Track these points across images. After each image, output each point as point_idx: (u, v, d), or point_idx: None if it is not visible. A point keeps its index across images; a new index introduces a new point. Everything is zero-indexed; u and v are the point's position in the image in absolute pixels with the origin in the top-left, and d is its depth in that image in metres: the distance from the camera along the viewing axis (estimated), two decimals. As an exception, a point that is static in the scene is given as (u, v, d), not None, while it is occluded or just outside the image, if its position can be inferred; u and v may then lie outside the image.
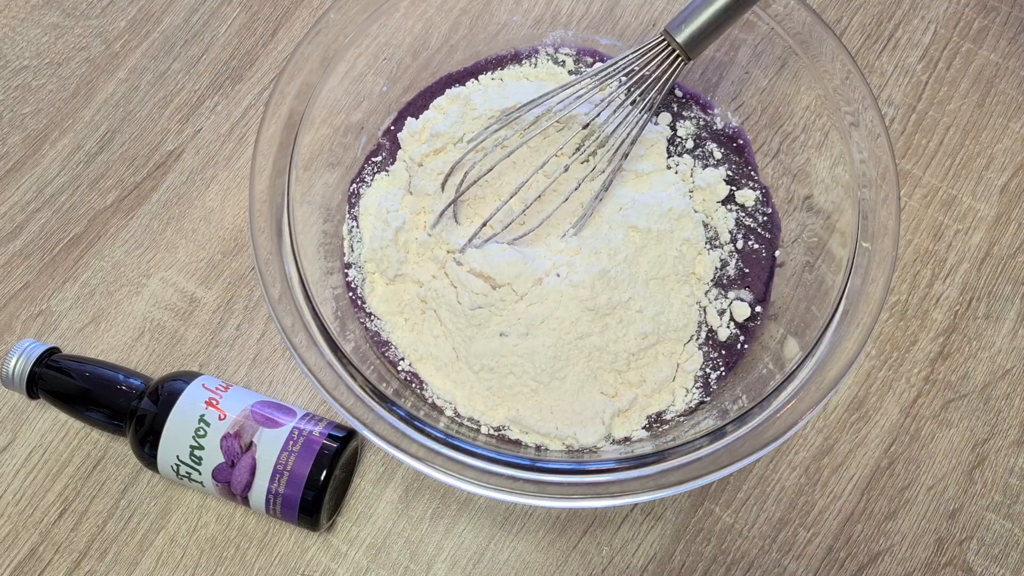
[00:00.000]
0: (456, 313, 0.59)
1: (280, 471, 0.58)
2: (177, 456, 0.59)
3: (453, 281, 0.60)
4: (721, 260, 0.64)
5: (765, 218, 0.65)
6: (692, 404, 0.61)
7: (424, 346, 0.61)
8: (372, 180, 0.67)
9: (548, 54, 0.70)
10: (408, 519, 0.63)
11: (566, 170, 0.60)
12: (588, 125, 0.61)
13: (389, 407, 0.53)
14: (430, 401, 0.60)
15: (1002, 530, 0.63)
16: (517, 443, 0.59)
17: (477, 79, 0.69)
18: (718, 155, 0.67)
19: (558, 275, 0.59)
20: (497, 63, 0.70)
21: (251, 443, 0.59)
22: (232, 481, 0.59)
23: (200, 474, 0.59)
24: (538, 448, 0.59)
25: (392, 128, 0.68)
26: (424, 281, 0.61)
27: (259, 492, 0.59)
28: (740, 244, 0.65)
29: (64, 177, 0.72)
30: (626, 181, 0.64)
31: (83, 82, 0.75)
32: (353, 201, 0.66)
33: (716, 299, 0.63)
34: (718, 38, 0.59)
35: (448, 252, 0.61)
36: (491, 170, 0.60)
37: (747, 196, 0.66)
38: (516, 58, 0.70)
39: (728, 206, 0.65)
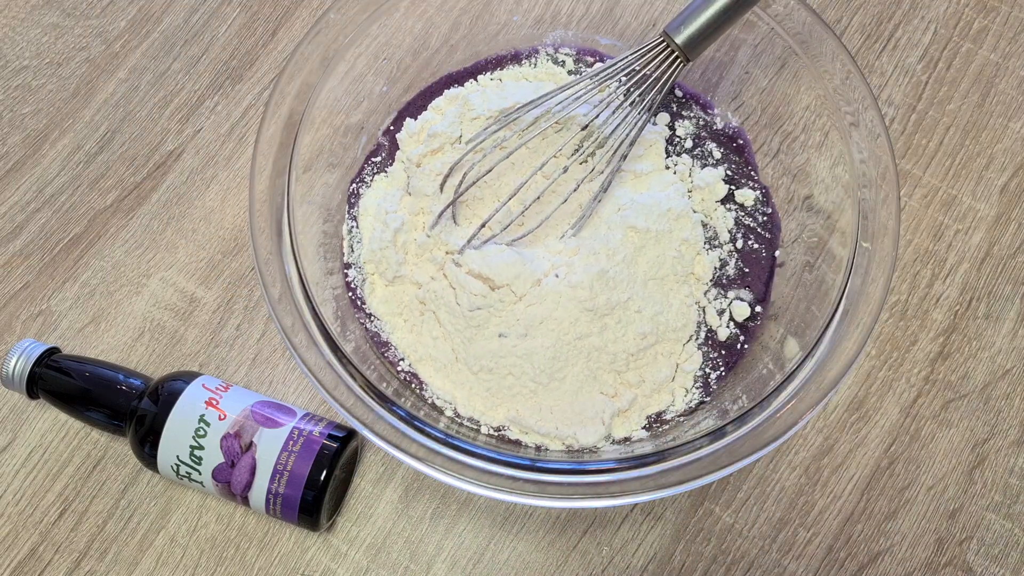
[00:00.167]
0: (455, 314, 0.59)
1: (280, 471, 0.58)
2: (177, 456, 0.59)
3: (452, 282, 0.60)
4: (720, 260, 0.64)
5: (765, 218, 0.65)
6: (692, 404, 0.61)
7: (423, 347, 0.61)
8: (372, 180, 0.67)
9: (548, 54, 0.70)
10: (408, 519, 0.63)
11: (565, 171, 0.60)
12: (587, 126, 0.61)
13: (389, 407, 0.53)
14: (430, 401, 0.60)
15: (1002, 530, 0.63)
16: (517, 443, 0.59)
17: (476, 79, 0.69)
18: (717, 155, 0.67)
19: (557, 276, 0.59)
20: (497, 63, 0.70)
21: (251, 443, 0.59)
22: (232, 481, 0.59)
23: (200, 474, 0.59)
24: (538, 448, 0.59)
25: (392, 128, 0.68)
26: (423, 282, 0.61)
27: (259, 492, 0.59)
28: (740, 244, 0.65)
29: (64, 177, 0.72)
30: (625, 181, 0.64)
31: (83, 82, 0.75)
32: (353, 201, 0.66)
33: (715, 299, 0.63)
34: (717, 39, 0.59)
35: (447, 253, 0.61)
36: (490, 171, 0.60)
37: (746, 196, 0.66)
38: (516, 58, 0.70)
39: (727, 206, 0.65)
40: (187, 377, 0.62)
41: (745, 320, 0.63)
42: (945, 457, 0.65)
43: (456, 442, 0.53)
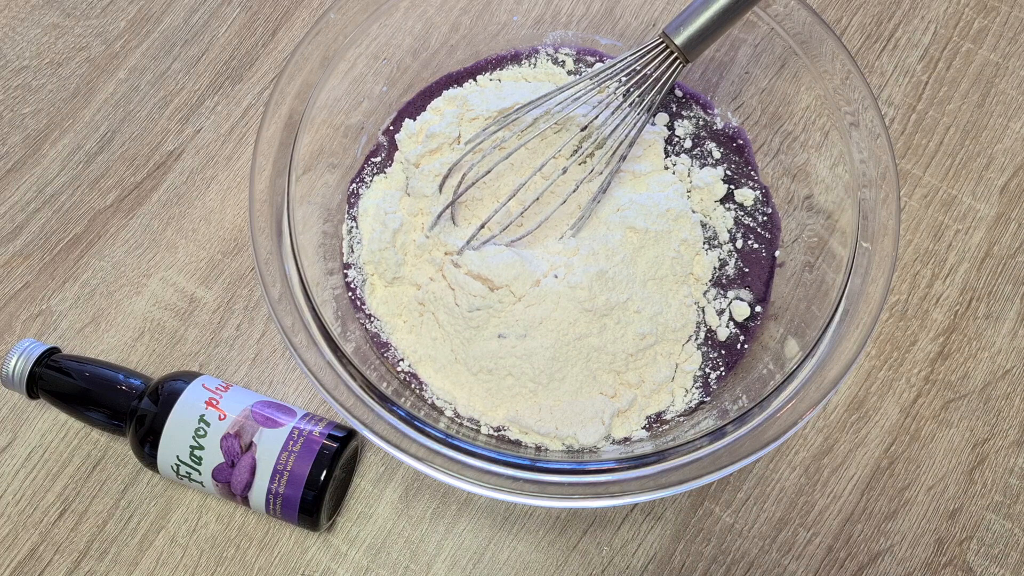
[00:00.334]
0: (454, 315, 0.59)
1: (280, 471, 0.58)
2: (177, 456, 0.59)
3: (451, 283, 0.60)
4: (720, 260, 0.64)
5: (765, 218, 0.65)
6: (692, 404, 0.61)
7: (423, 348, 0.61)
8: (371, 181, 0.67)
9: (548, 54, 0.70)
10: (408, 519, 0.63)
11: (564, 172, 0.60)
12: (586, 127, 0.61)
13: (389, 407, 0.53)
14: (430, 401, 0.60)
15: (1002, 530, 0.63)
16: (517, 443, 0.59)
17: (475, 80, 0.69)
18: (717, 155, 0.67)
19: (556, 276, 0.59)
20: (497, 63, 0.70)
21: (251, 443, 0.59)
22: (232, 481, 0.59)
23: (200, 474, 0.59)
24: (538, 448, 0.59)
25: (392, 128, 0.68)
26: (422, 283, 0.61)
27: (259, 492, 0.59)
28: (740, 244, 0.65)
29: (64, 177, 0.72)
30: (624, 182, 0.64)
31: (83, 82, 0.75)
32: (352, 201, 0.66)
33: (715, 299, 0.63)
34: (717, 40, 0.59)
35: (446, 254, 0.61)
36: (489, 172, 0.60)
37: (746, 195, 0.66)
38: (516, 58, 0.70)
39: (727, 205, 0.65)
40: (187, 377, 0.62)
41: (745, 320, 0.63)
42: (945, 457, 0.65)
43: (456, 442, 0.53)
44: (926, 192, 0.71)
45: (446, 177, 0.62)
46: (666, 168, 0.66)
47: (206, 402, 0.60)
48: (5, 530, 0.63)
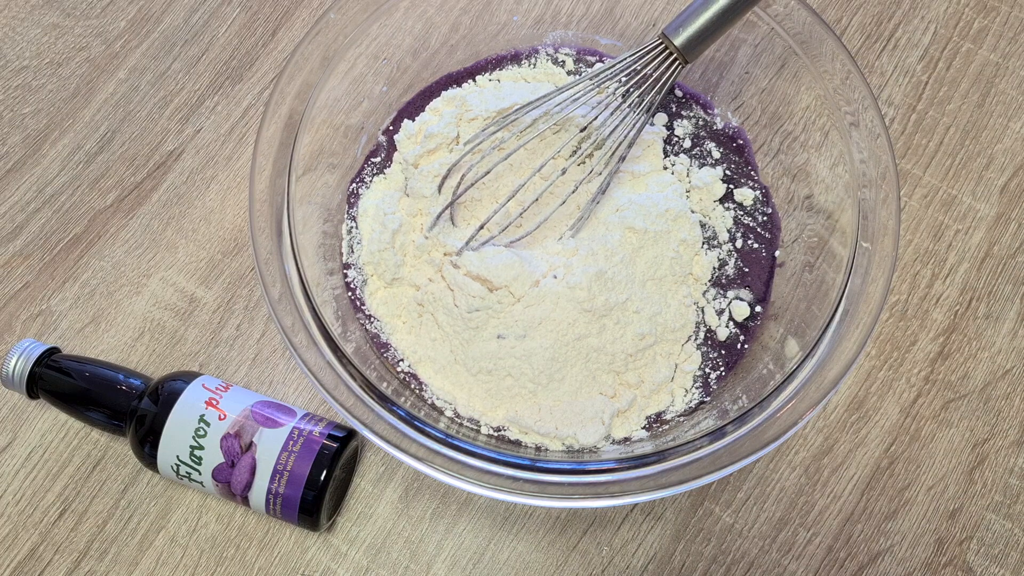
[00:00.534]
0: (453, 316, 0.59)
1: (280, 471, 0.58)
2: (177, 456, 0.59)
3: (450, 284, 0.60)
4: (720, 260, 0.64)
5: (765, 218, 0.65)
6: (692, 404, 0.61)
7: (422, 348, 0.61)
8: (371, 182, 0.67)
9: (548, 54, 0.70)
10: (408, 519, 0.63)
11: (563, 173, 0.60)
12: (585, 128, 0.61)
13: (389, 407, 0.53)
14: (430, 402, 0.60)
15: (1002, 530, 0.63)
16: (517, 443, 0.59)
17: (474, 80, 0.69)
18: (716, 155, 0.67)
19: (555, 277, 0.59)
20: (497, 63, 0.70)
21: (251, 443, 0.59)
22: (232, 481, 0.59)
23: (200, 474, 0.59)
24: (538, 448, 0.59)
25: (391, 129, 0.68)
26: (421, 284, 0.61)
27: (259, 492, 0.59)
28: (739, 243, 0.65)
29: (64, 177, 0.72)
30: (623, 182, 0.64)
31: (83, 82, 0.75)
32: (352, 202, 0.66)
33: (715, 299, 0.63)
34: (716, 41, 0.59)
35: (445, 255, 0.61)
36: (488, 173, 0.60)
37: (746, 195, 0.65)
38: (516, 58, 0.70)
39: (726, 205, 0.65)
40: (187, 377, 0.62)
41: (745, 320, 0.63)
42: (945, 457, 0.65)
43: (456, 442, 0.53)
44: (926, 192, 0.71)
45: (445, 178, 0.62)
46: (665, 168, 0.66)
47: (206, 402, 0.60)
48: (5, 530, 0.63)
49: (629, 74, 0.61)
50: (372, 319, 0.62)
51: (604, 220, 0.61)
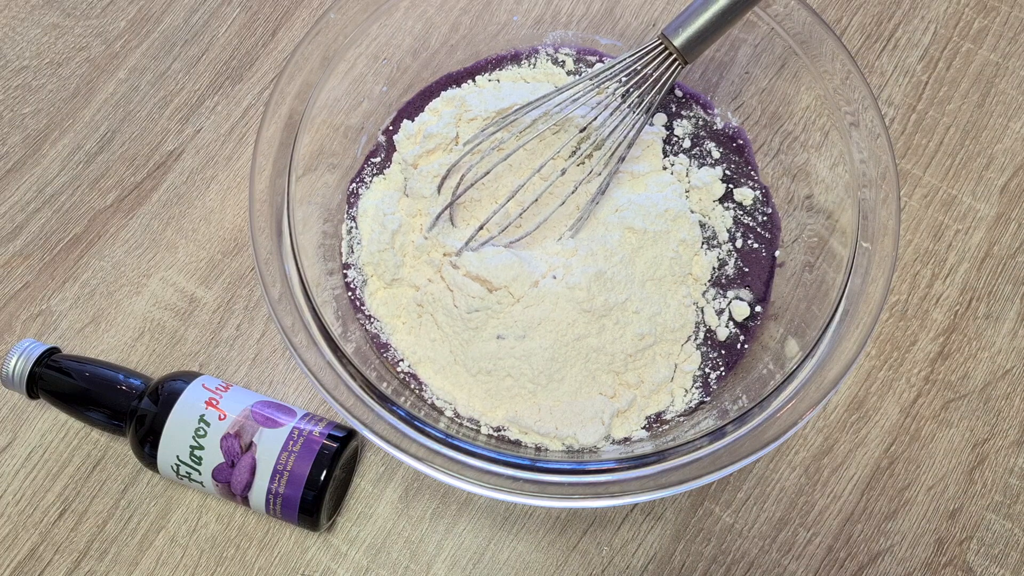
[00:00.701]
0: (452, 316, 0.59)
1: (280, 471, 0.58)
2: (177, 456, 0.59)
3: (449, 284, 0.60)
4: (719, 260, 0.64)
5: (765, 218, 0.65)
6: (692, 404, 0.61)
7: (422, 349, 0.61)
8: (371, 182, 0.66)
9: (548, 54, 0.70)
10: (408, 519, 0.63)
11: (563, 173, 0.60)
12: (585, 128, 0.61)
13: (389, 407, 0.53)
14: (430, 402, 0.60)
15: (1002, 530, 0.63)
16: (517, 443, 0.59)
17: (474, 80, 0.69)
18: (716, 155, 0.67)
19: (555, 277, 0.59)
20: (497, 63, 0.70)
21: (251, 443, 0.59)
22: (232, 481, 0.59)
23: (200, 474, 0.59)
24: (538, 448, 0.59)
25: (391, 129, 0.68)
26: (420, 285, 0.61)
27: (259, 492, 0.59)
28: (739, 243, 0.65)
29: (64, 177, 0.72)
30: (622, 182, 0.64)
31: (83, 82, 0.75)
32: (352, 202, 0.66)
33: (714, 299, 0.63)
34: (716, 41, 0.59)
35: (444, 255, 0.61)
36: (488, 173, 0.60)
37: (745, 195, 0.65)
38: (516, 58, 0.70)
39: (726, 205, 0.65)
40: (187, 377, 0.62)
41: (745, 320, 0.63)
42: (945, 457, 0.65)
43: (456, 442, 0.53)
44: (926, 192, 0.71)
45: (444, 178, 0.62)
46: (664, 168, 0.66)
47: (206, 402, 0.60)
48: (5, 530, 0.63)
49: (629, 74, 0.61)
50: (372, 319, 0.62)
51: (603, 220, 0.61)
